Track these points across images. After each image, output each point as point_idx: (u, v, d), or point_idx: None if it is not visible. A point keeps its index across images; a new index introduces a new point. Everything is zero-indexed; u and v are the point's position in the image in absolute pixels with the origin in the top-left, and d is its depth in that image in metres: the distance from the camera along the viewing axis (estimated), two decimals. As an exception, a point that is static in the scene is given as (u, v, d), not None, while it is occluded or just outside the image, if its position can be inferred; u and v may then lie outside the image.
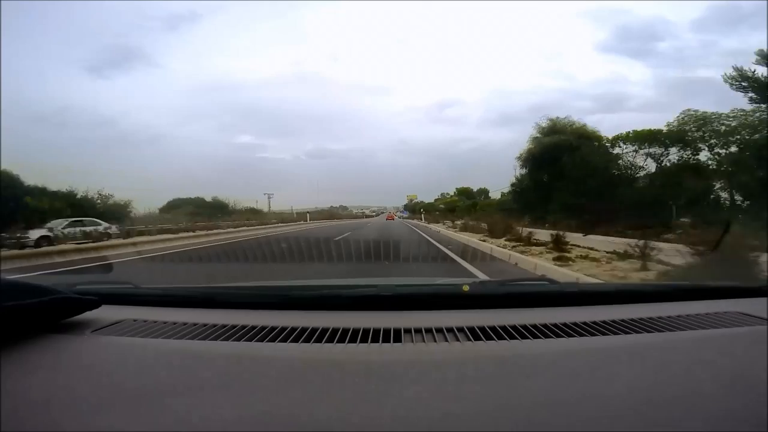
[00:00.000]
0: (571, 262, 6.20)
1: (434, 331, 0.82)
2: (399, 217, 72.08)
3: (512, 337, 0.79)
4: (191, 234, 15.47)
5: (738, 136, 16.39)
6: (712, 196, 17.26)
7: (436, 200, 73.87)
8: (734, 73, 15.66)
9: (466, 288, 1.08)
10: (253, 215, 36.25)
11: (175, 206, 34.44)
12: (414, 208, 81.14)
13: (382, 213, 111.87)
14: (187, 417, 0.52)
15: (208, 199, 37.97)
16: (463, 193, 59.43)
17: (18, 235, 11.21)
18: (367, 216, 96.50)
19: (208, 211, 32.12)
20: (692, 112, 18.60)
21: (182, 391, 0.59)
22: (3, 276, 0.80)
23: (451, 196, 62.47)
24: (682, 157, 18.97)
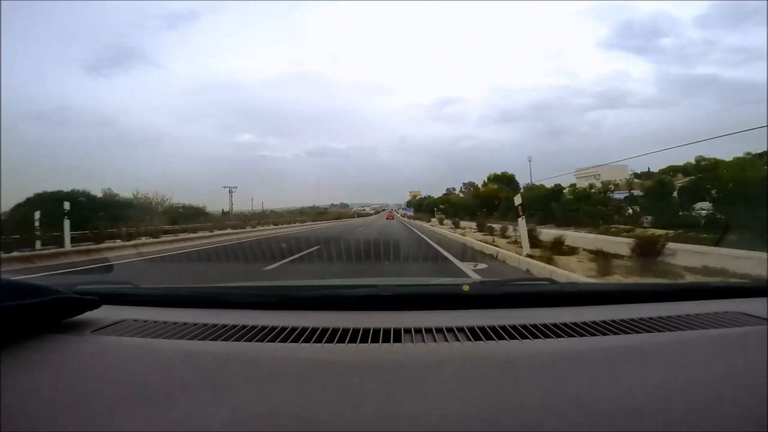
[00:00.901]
0: None
1: (434, 331, 0.82)
2: (405, 216, 60.64)
3: (512, 337, 0.79)
4: None
5: None
6: None
7: (444, 195, 61.55)
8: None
9: (466, 288, 1.08)
10: (173, 220, 21.34)
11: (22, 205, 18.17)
12: (420, 205, 68.83)
13: (384, 210, 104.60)
14: (187, 417, 0.52)
15: (98, 193, 23.72)
16: (501, 180, 42.05)
17: None
18: (361, 215, 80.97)
19: (87, 214, 16.74)
20: None
21: (182, 391, 0.59)
22: (3, 276, 0.79)
23: (486, 184, 43.57)
24: None
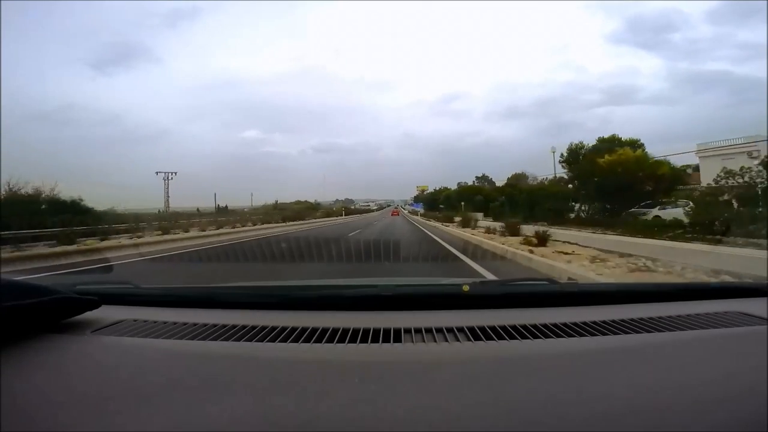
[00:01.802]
0: None
1: (434, 331, 0.82)
2: (417, 214, 47.86)
3: (512, 337, 0.79)
4: None
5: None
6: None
7: (459, 187, 46.63)
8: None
9: (466, 288, 1.08)
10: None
11: None
12: (433, 200, 52.28)
13: (388, 206, 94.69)
14: (187, 417, 0.52)
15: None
16: (612, 142, 22.10)
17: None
18: (350, 212, 58.43)
19: None
20: None
21: (182, 391, 0.59)
22: (3, 276, 0.80)
23: (581, 151, 22.56)
24: None
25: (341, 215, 45.91)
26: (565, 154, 23.75)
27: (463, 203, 30.31)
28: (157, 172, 33.52)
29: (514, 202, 24.05)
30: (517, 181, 34.05)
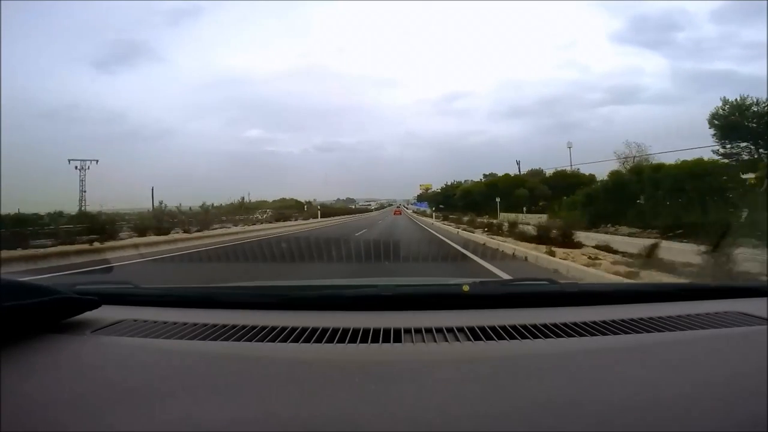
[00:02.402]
0: None
1: (434, 331, 0.82)
2: (430, 215, 35.50)
3: (512, 337, 0.79)
4: None
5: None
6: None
7: (466, 182, 42.24)
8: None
9: (466, 288, 1.08)
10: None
11: None
12: (446, 197, 44.05)
13: (390, 206, 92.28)
14: (187, 417, 0.52)
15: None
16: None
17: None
18: (329, 214, 36.74)
19: None
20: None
21: (182, 391, 0.59)
22: (3, 276, 0.80)
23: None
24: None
25: (316, 216, 31.11)
26: (724, 112, 13.56)
27: (498, 199, 22.56)
28: (69, 160, 25.57)
29: (616, 193, 13.40)
30: (534, 176, 27.35)
